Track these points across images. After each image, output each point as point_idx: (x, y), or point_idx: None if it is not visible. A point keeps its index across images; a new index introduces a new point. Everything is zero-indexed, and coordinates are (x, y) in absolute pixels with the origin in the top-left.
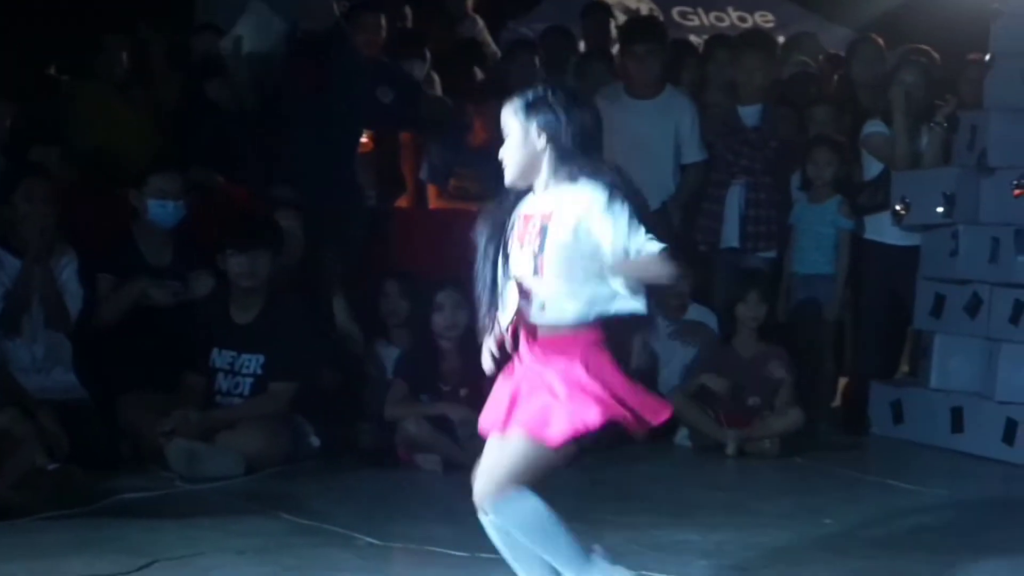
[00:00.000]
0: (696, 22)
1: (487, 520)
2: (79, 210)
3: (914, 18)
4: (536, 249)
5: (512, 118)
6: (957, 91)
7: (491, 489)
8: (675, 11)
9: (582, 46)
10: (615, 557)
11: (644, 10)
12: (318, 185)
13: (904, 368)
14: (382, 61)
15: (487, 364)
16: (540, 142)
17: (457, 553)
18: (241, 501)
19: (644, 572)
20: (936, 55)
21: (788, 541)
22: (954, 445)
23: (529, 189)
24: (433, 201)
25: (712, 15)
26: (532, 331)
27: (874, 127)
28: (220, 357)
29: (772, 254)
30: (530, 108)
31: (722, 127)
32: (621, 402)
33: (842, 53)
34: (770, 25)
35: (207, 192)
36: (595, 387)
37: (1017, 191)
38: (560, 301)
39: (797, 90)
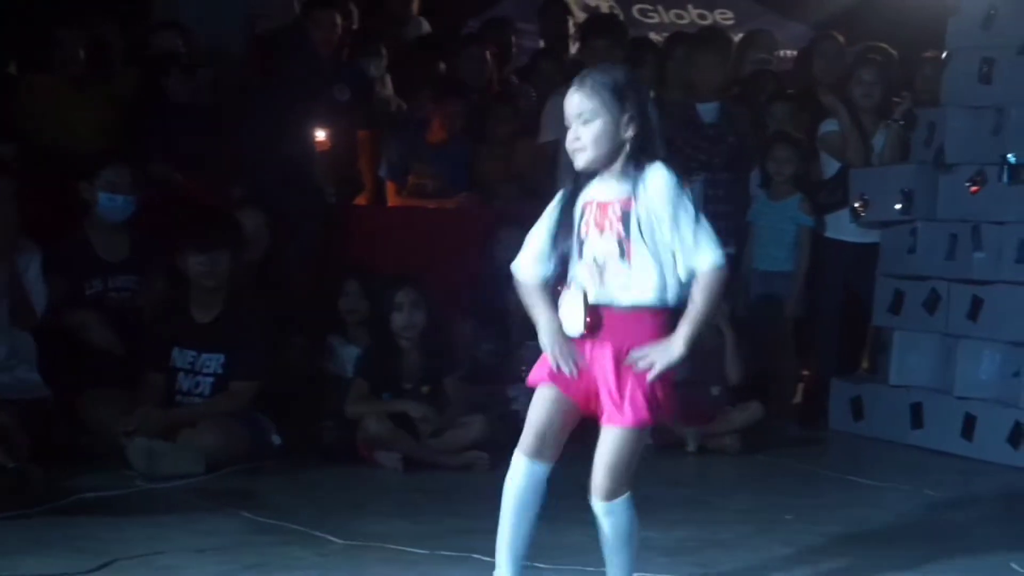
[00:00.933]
0: (656, 19)
1: (529, 463)
2: (33, 205)
3: (871, 15)
4: (622, 234)
5: (594, 100)
6: (914, 88)
7: (609, 485)
8: (635, 8)
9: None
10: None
11: (604, 7)
12: (276, 182)
13: (864, 365)
14: (339, 59)
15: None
16: (629, 131)
17: (417, 551)
18: (201, 499)
19: (604, 569)
20: (894, 52)
21: (748, 536)
22: (913, 440)
23: (592, 174)
24: (391, 198)
25: (672, 12)
26: (610, 313)
27: (831, 125)
28: (181, 356)
29: (731, 250)
30: (621, 93)
31: (681, 124)
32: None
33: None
34: (730, 22)
35: (166, 188)
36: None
37: (974, 187)
38: (644, 283)
39: (756, 87)
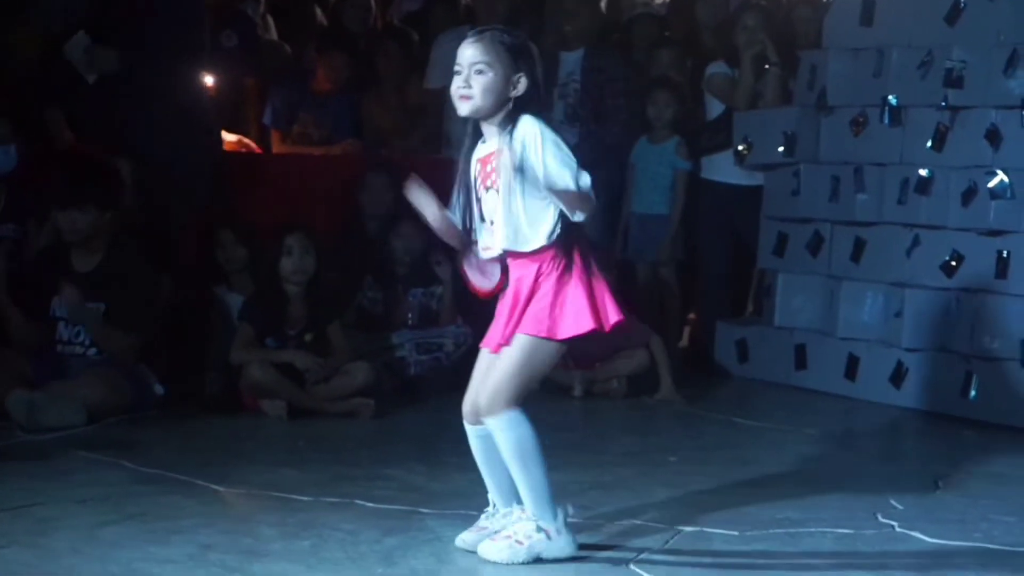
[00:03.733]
0: None
1: (472, 430)
2: None
3: None
4: (499, 188)
5: (490, 54)
6: (792, 30)
7: (489, 399)
8: None
9: None
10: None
11: None
12: (161, 131)
13: (750, 308)
14: (223, 2)
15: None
16: (517, 90)
17: (301, 498)
18: (82, 450)
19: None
20: None
21: (631, 478)
22: (798, 382)
23: (477, 134)
24: (276, 146)
25: None
26: (507, 260)
27: (717, 68)
28: (61, 306)
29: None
30: (516, 53)
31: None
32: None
33: None
34: None
35: (47, 140)
36: (579, 293)
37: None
38: (525, 232)
39: (639, 32)
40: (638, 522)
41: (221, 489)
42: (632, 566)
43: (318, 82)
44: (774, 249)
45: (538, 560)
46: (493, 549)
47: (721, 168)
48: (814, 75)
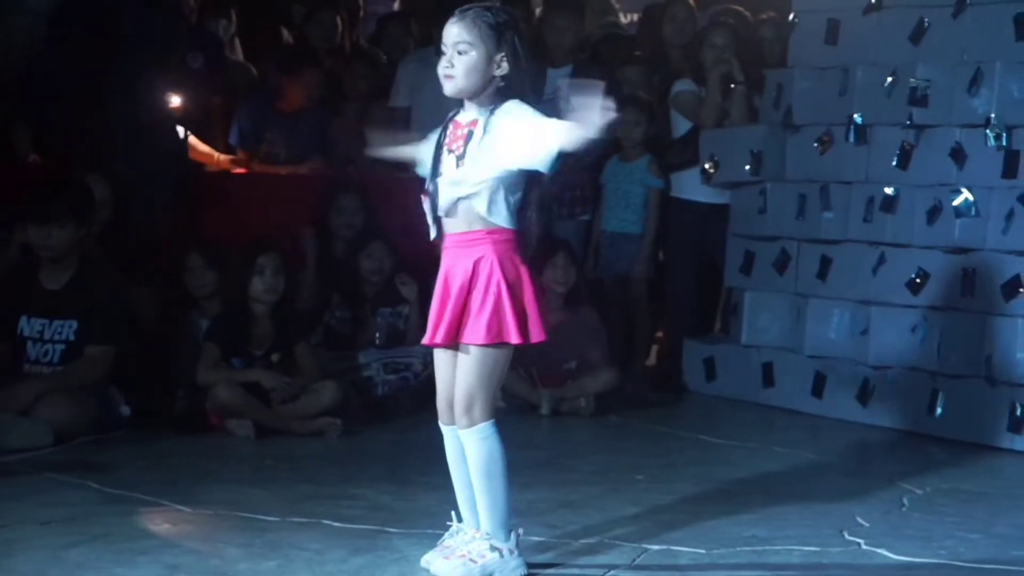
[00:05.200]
0: None
1: (448, 430)
2: None
3: None
4: (459, 154)
5: (472, 33)
6: (759, 50)
7: (464, 411)
8: None
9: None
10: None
11: None
12: (129, 150)
13: (718, 326)
14: (190, 24)
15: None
16: (501, 68)
17: (268, 518)
18: (48, 471)
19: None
20: (747, 15)
21: (599, 496)
22: (765, 400)
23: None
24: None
25: None
26: (449, 235)
27: (683, 86)
28: (29, 325)
29: (588, 217)
30: (499, 31)
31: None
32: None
33: None
34: None
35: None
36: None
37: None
38: (473, 195)
39: (608, 50)
40: (606, 540)
41: (188, 509)
42: None
43: (284, 101)
44: (741, 267)
45: None
46: (447, 567)
47: (689, 187)
48: (780, 94)
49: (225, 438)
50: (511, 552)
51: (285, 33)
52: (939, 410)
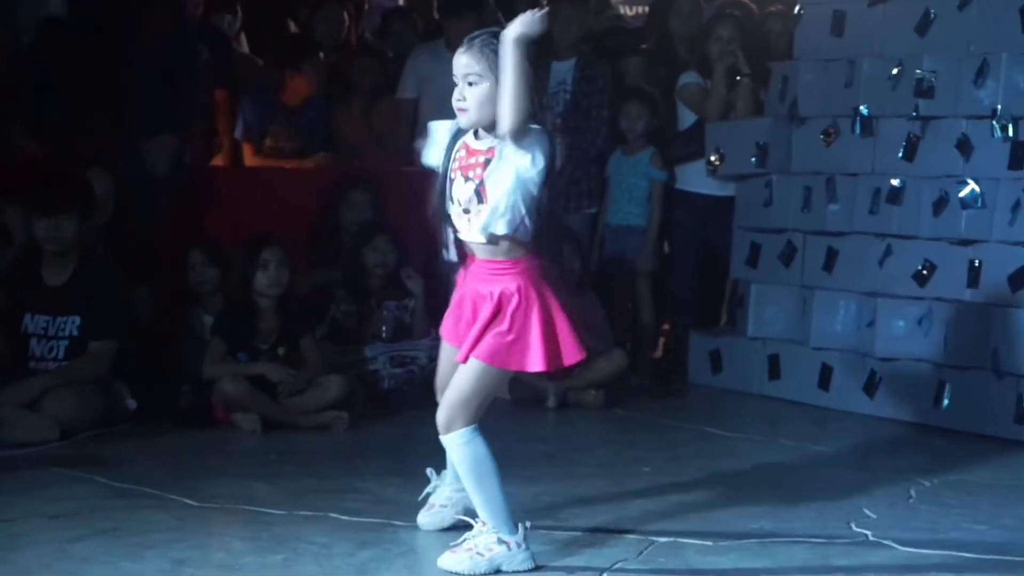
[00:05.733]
0: None
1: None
2: None
3: None
4: (482, 178)
5: (482, 64)
6: (765, 42)
7: (447, 418)
8: None
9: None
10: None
11: None
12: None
13: (724, 318)
14: (196, 17)
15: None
16: None
17: (274, 511)
18: (55, 466)
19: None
20: (754, 7)
21: (605, 490)
22: (771, 392)
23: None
24: (249, 159)
25: None
26: (474, 253)
27: (689, 78)
28: (33, 322)
29: (594, 210)
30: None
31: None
32: (552, 338)
33: None
34: None
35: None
36: (538, 329)
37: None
38: (495, 222)
39: (612, 43)
40: (612, 533)
41: (194, 503)
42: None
43: (288, 93)
44: (747, 259)
45: (498, 572)
46: (454, 560)
47: (694, 179)
48: (786, 86)
49: (231, 432)
50: (518, 545)
51: (292, 26)
52: (946, 402)
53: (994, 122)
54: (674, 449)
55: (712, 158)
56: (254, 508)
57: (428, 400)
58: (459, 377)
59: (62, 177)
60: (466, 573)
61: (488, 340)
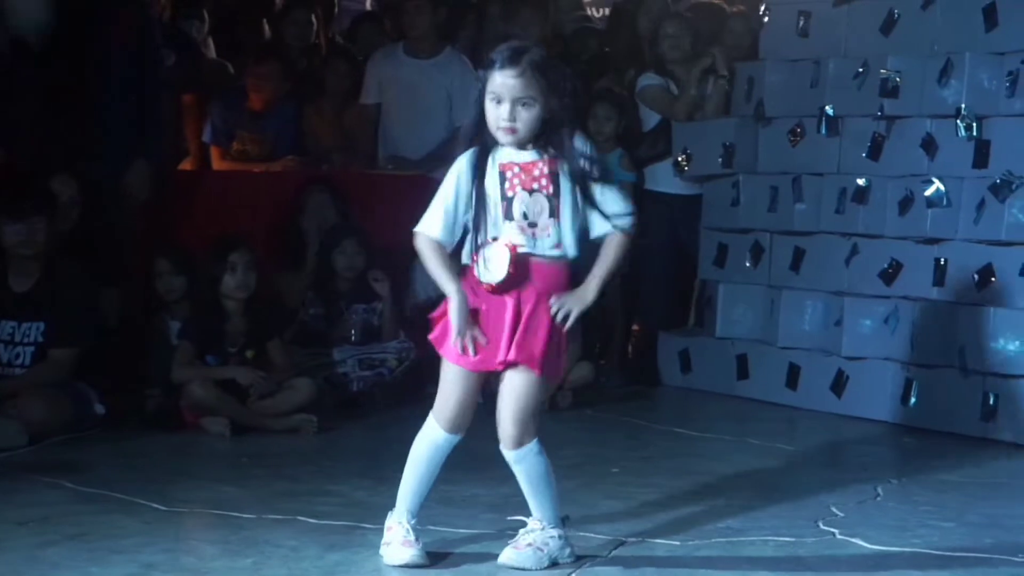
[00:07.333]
0: None
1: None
2: None
3: None
4: (550, 191)
5: (533, 88)
6: (723, 43)
7: (519, 433)
8: None
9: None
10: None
11: None
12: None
13: (692, 319)
14: (163, 22)
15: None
16: (553, 108)
17: (243, 515)
18: (22, 471)
19: (430, 527)
20: (725, 6)
21: (574, 490)
22: (740, 392)
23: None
24: (216, 163)
25: None
26: (538, 263)
27: (648, 79)
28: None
29: None
30: (552, 75)
31: None
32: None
33: None
34: None
35: None
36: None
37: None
38: (568, 237)
39: (578, 44)
40: (581, 533)
41: (163, 508)
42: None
43: (255, 97)
44: (714, 260)
45: (554, 564)
46: (520, 557)
47: (662, 178)
48: (751, 86)
49: (200, 436)
50: (562, 537)
51: (266, 29)
52: (913, 400)
53: (958, 121)
54: (643, 449)
55: (679, 158)
56: (223, 512)
57: (398, 402)
58: (521, 393)
59: (30, 182)
60: (532, 568)
61: (542, 355)
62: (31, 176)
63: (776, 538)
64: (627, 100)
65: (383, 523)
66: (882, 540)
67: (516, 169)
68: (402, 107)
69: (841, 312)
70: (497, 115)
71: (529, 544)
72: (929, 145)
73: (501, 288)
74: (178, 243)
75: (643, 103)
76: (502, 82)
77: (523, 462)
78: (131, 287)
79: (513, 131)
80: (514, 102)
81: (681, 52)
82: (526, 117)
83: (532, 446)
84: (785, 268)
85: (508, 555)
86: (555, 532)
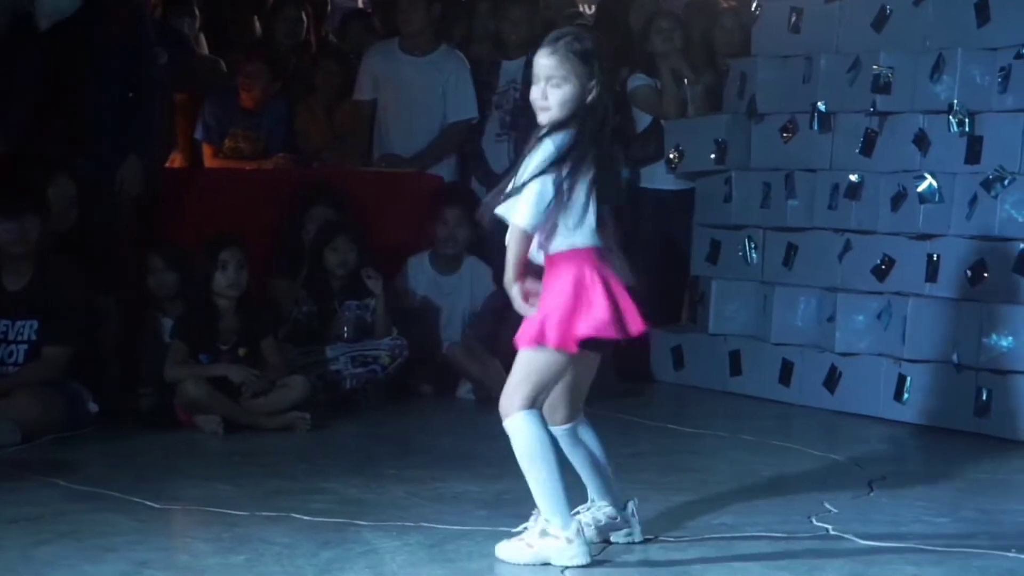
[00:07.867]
0: None
1: (553, 431)
2: None
3: None
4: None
5: (564, 67)
6: (714, 39)
7: (503, 404)
8: None
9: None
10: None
11: None
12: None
13: (685, 315)
14: (155, 20)
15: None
16: (592, 95)
17: (237, 512)
18: (15, 470)
19: (423, 524)
20: (721, 2)
21: (567, 487)
22: (733, 388)
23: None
24: (208, 160)
25: None
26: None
27: (638, 80)
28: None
29: None
30: (590, 59)
31: (484, 83)
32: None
33: None
34: None
35: None
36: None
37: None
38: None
39: None
40: None
41: (156, 506)
42: (566, 573)
43: (245, 97)
44: (707, 256)
45: (546, 564)
46: (505, 548)
47: (653, 175)
48: (744, 83)
49: (193, 434)
50: (569, 540)
51: (258, 27)
52: (906, 395)
53: (950, 117)
54: (636, 445)
55: (671, 155)
56: (217, 509)
57: (390, 399)
58: (513, 366)
59: (23, 179)
60: (507, 560)
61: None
62: (25, 174)
63: (769, 534)
64: (620, 97)
65: (377, 520)
66: (876, 535)
67: None
68: (397, 104)
69: (834, 308)
70: (534, 95)
71: (521, 539)
72: (921, 141)
73: None
74: (170, 240)
75: (634, 104)
76: (537, 62)
77: (510, 437)
78: (124, 286)
79: (545, 109)
80: (546, 81)
81: (673, 46)
82: (556, 96)
83: (509, 422)
84: (778, 264)
85: (501, 544)
86: (557, 532)
